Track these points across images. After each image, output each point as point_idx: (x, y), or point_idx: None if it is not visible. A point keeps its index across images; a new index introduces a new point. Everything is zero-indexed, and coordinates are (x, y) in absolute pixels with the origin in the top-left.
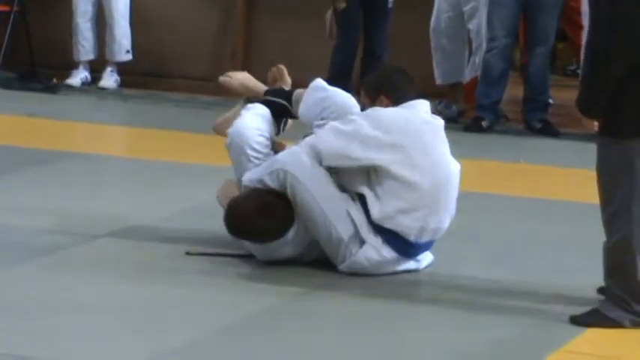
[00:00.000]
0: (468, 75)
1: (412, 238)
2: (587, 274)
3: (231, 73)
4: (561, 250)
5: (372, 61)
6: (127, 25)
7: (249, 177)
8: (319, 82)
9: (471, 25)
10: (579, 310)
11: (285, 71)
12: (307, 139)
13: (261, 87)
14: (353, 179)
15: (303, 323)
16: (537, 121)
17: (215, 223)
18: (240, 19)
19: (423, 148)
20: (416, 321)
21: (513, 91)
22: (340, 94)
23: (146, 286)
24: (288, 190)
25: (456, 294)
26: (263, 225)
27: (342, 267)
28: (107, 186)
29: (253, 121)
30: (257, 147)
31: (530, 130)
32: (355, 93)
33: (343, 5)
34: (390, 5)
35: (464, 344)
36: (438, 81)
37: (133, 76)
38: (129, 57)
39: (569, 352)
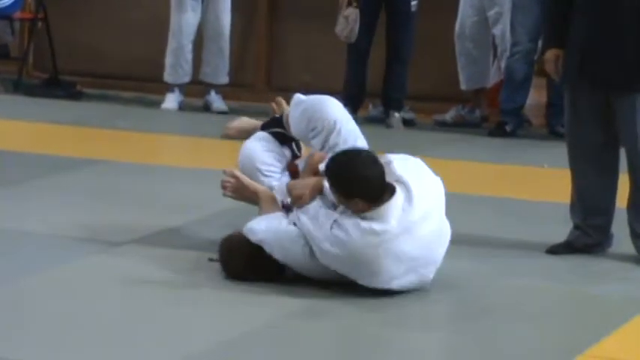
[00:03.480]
0: (492, 80)
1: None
2: (609, 279)
3: (227, 125)
4: (586, 254)
5: (397, 66)
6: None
7: (248, 236)
8: (296, 97)
9: (496, 30)
10: (602, 319)
11: (284, 102)
12: (303, 224)
13: (258, 124)
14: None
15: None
16: (561, 126)
17: (241, 229)
18: (263, 25)
19: (400, 260)
20: (431, 329)
21: (537, 95)
22: (317, 101)
23: (167, 293)
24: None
25: (474, 299)
26: (259, 271)
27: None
28: (130, 193)
29: (256, 143)
30: (267, 160)
31: (554, 135)
32: (371, 97)
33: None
34: (413, 9)
35: (482, 348)
36: (463, 86)
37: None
38: (227, 79)
39: (593, 356)
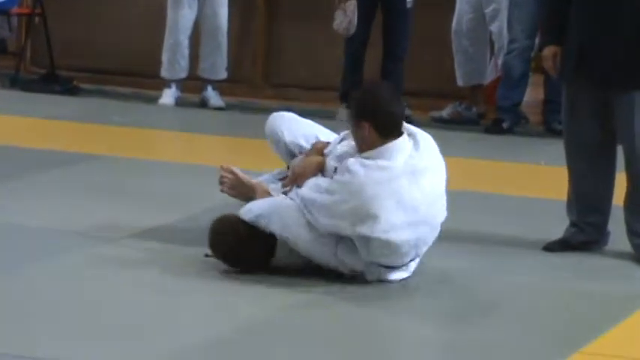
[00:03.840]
0: (489, 77)
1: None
2: (606, 276)
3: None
4: (583, 252)
5: (392, 63)
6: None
7: (244, 216)
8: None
9: (493, 27)
10: (599, 317)
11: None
12: (300, 199)
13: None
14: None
15: (298, 336)
16: (558, 123)
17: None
18: (261, 21)
19: (400, 203)
20: (426, 327)
21: (534, 92)
22: (267, 127)
23: (163, 288)
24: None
25: (471, 296)
26: (249, 255)
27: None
28: (127, 188)
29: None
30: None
31: (551, 132)
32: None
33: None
34: (408, 5)
35: (479, 345)
36: (460, 82)
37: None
38: (226, 74)
39: (590, 353)
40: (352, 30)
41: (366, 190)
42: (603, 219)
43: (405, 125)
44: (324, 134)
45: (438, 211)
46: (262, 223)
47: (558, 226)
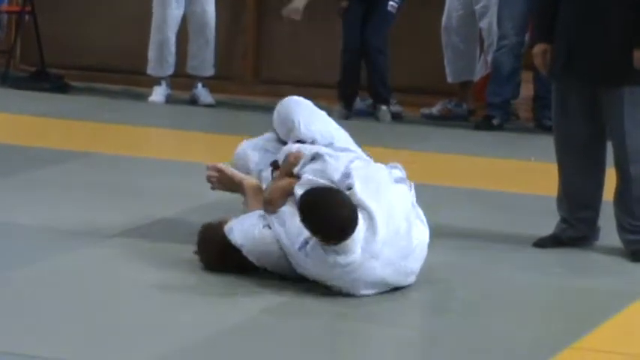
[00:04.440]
0: (478, 73)
1: None
2: (596, 272)
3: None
4: (574, 248)
5: (368, 62)
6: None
7: (228, 235)
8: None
9: (483, 24)
10: (589, 312)
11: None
12: (277, 233)
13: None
14: None
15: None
16: (548, 119)
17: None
18: (251, 17)
19: (369, 283)
20: (415, 323)
21: (524, 89)
22: (284, 105)
23: (152, 286)
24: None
25: (462, 293)
26: (221, 266)
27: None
28: (117, 185)
29: (247, 143)
30: (255, 158)
31: (541, 128)
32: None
33: (345, 4)
34: (390, 9)
35: (471, 341)
36: (449, 79)
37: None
38: (213, 71)
39: (580, 349)
40: (297, 16)
41: (333, 281)
42: (594, 215)
43: (354, 198)
44: (337, 132)
45: (414, 259)
46: (243, 251)
47: (549, 222)
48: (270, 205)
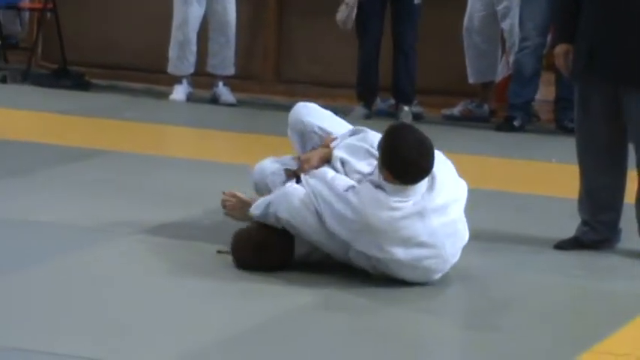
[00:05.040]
0: (500, 74)
1: None
2: (617, 274)
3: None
4: (595, 251)
5: (401, 59)
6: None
7: (256, 212)
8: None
9: (504, 25)
10: (610, 315)
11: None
12: (311, 188)
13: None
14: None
15: (314, 333)
16: (569, 121)
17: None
18: (272, 16)
19: (406, 242)
20: (436, 326)
21: (546, 90)
22: (291, 115)
23: (174, 284)
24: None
25: (482, 294)
26: (264, 263)
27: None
28: (138, 184)
29: (267, 159)
30: (275, 170)
31: (562, 130)
32: (382, 90)
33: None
34: (416, 1)
35: (491, 343)
36: (470, 80)
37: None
38: (234, 70)
39: (601, 352)
40: (350, 25)
41: (372, 222)
42: (615, 217)
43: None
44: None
45: (448, 247)
46: (271, 212)
47: (570, 225)
48: (307, 163)
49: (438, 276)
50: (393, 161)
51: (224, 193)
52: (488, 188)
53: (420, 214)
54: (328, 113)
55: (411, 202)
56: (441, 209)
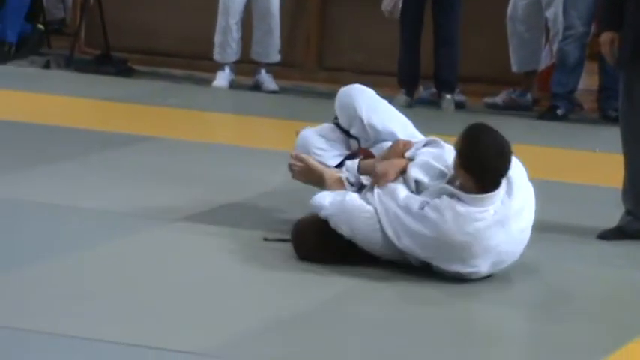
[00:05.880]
0: (543, 63)
1: None
2: None
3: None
4: (638, 240)
5: (444, 48)
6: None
7: (315, 204)
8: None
9: (548, 13)
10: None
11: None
12: (384, 208)
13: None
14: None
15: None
16: (612, 110)
17: (292, 209)
18: (315, 4)
19: (487, 251)
20: (481, 316)
21: (589, 79)
22: (344, 93)
23: (216, 272)
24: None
25: (525, 284)
26: (325, 255)
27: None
28: (180, 170)
29: (310, 130)
30: (319, 144)
31: (606, 119)
32: (424, 79)
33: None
34: None
35: (533, 332)
36: (514, 68)
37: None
38: (279, 57)
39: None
40: (397, 14)
41: (454, 237)
42: None
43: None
44: (402, 126)
45: (521, 248)
46: (331, 223)
47: (613, 214)
48: (384, 178)
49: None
50: (475, 166)
51: (291, 155)
52: (531, 178)
53: (502, 222)
54: (385, 105)
55: (492, 211)
56: (518, 214)
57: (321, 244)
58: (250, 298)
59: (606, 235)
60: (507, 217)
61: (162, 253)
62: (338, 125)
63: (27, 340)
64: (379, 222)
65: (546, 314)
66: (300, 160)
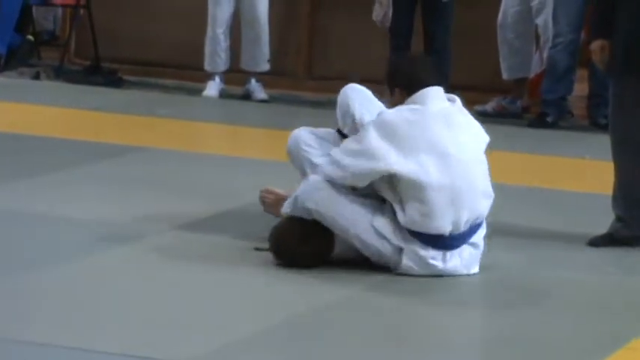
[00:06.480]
0: (534, 70)
1: (448, 234)
2: None
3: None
4: (628, 247)
5: (433, 57)
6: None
7: (285, 210)
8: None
9: (539, 20)
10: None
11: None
12: (323, 167)
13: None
14: (380, 188)
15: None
16: (602, 117)
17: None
18: (305, 13)
19: (435, 147)
20: (471, 322)
21: (579, 86)
22: (341, 93)
23: (207, 281)
24: (320, 221)
25: (515, 291)
26: (306, 255)
27: (394, 272)
28: (171, 180)
29: (304, 129)
30: (309, 141)
31: (596, 126)
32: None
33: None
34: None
35: (526, 340)
36: (504, 76)
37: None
38: (268, 66)
39: (635, 349)
40: (387, 23)
41: (398, 127)
42: None
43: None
44: None
45: (476, 175)
46: (299, 206)
47: (603, 221)
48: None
49: (466, 218)
50: (408, 76)
51: (261, 190)
52: (521, 184)
53: (446, 120)
54: (376, 102)
55: (432, 106)
56: (467, 128)
57: (302, 240)
58: (241, 307)
59: (597, 242)
60: (452, 119)
61: (154, 263)
62: (339, 131)
63: (19, 351)
64: (337, 190)
65: (535, 320)
66: (271, 192)
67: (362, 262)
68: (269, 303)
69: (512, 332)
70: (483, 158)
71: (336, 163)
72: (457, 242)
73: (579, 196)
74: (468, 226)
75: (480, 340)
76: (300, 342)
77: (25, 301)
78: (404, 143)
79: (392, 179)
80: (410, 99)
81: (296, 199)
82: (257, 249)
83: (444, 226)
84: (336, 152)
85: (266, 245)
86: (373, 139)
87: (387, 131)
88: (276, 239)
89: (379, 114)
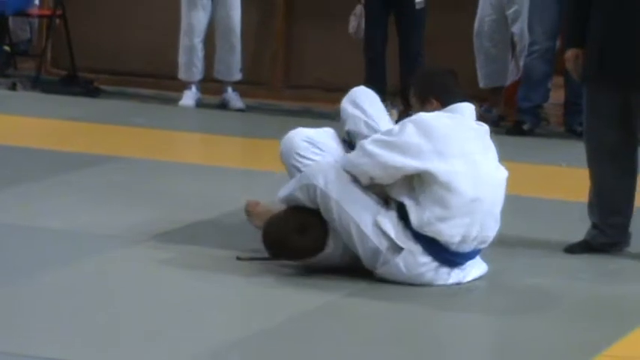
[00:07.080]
0: (510, 78)
1: (453, 247)
2: (627, 278)
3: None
4: (604, 254)
5: (408, 64)
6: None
7: (282, 194)
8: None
9: (515, 29)
10: (620, 319)
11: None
12: (348, 154)
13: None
14: (394, 186)
15: (334, 331)
16: (578, 125)
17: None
18: (280, 22)
19: (468, 156)
20: (452, 329)
21: (555, 94)
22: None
23: (186, 291)
24: (320, 205)
25: (491, 298)
26: (298, 246)
27: (377, 271)
28: (148, 189)
29: (297, 134)
30: (302, 151)
31: (572, 134)
32: (391, 95)
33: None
34: (417, 7)
35: (502, 347)
36: (481, 84)
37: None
38: (240, 75)
39: (611, 356)
40: (361, 34)
41: (437, 128)
42: (625, 221)
43: None
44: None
45: (497, 198)
46: (303, 182)
47: (579, 228)
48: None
49: (476, 233)
50: (443, 89)
51: (247, 201)
52: None
53: (480, 135)
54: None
55: (469, 119)
56: (494, 153)
57: (295, 229)
58: (223, 315)
59: (573, 249)
60: (485, 137)
61: (132, 273)
62: (344, 141)
63: None
64: (349, 175)
65: (512, 327)
66: (256, 203)
67: (344, 269)
68: (250, 311)
69: (489, 339)
70: (504, 187)
71: (362, 149)
72: (457, 260)
73: (555, 203)
74: (473, 245)
75: (459, 346)
76: (282, 350)
77: (0, 311)
78: (441, 145)
79: (413, 179)
80: (447, 109)
81: (301, 176)
82: (239, 258)
83: (456, 234)
84: (366, 142)
85: (248, 254)
86: (411, 135)
87: (426, 130)
88: (270, 234)
89: (417, 114)
